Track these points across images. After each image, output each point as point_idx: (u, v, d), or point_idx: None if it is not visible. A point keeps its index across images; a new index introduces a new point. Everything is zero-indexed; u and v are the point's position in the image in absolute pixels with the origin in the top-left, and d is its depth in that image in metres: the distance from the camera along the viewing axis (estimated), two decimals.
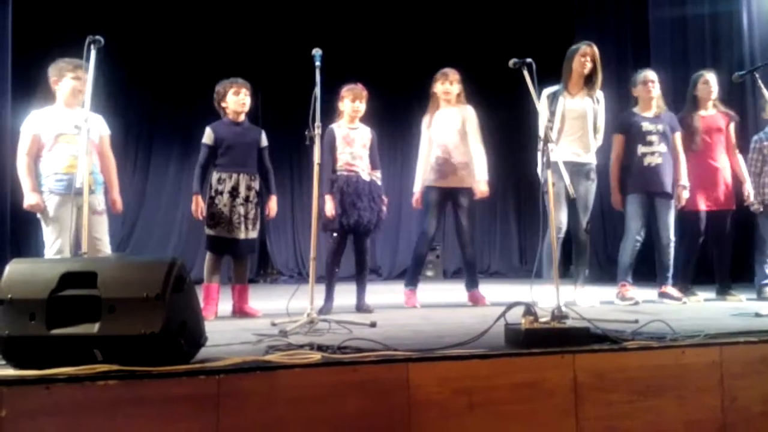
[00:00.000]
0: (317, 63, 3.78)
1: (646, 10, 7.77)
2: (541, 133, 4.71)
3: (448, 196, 5.06)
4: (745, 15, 6.87)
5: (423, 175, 5.12)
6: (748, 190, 5.17)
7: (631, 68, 5.40)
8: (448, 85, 5.07)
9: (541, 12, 9.25)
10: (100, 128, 4.24)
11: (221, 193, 4.30)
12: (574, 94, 4.86)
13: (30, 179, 3.92)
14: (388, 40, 9.60)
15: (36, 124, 3.97)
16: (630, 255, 4.99)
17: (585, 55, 4.83)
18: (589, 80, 4.89)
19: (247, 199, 4.35)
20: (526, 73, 3.67)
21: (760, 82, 4.48)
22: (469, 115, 5.11)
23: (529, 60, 3.70)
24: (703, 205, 5.11)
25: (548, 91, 4.84)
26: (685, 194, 5.04)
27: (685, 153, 5.13)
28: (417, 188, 5.14)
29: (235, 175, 4.34)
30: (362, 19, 9.43)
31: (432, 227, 5.04)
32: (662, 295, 4.97)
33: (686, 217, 5.20)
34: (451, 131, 5.05)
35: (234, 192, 4.32)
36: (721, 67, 6.40)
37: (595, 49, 4.87)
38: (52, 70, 4.06)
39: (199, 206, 4.28)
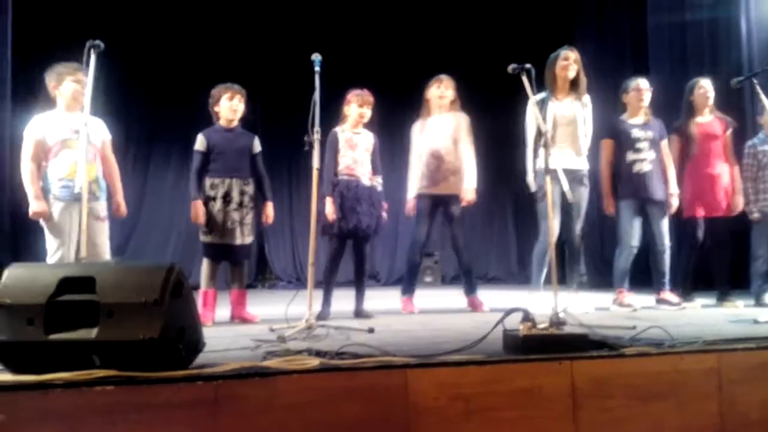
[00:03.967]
0: (317, 68, 3.78)
1: (645, 16, 7.79)
2: (530, 141, 4.76)
3: (439, 204, 5.05)
4: (743, 21, 6.88)
5: (415, 181, 5.10)
6: (737, 202, 5.15)
7: (630, 74, 5.40)
8: (443, 89, 5.07)
9: (541, 18, 9.25)
10: (101, 133, 4.22)
11: (214, 199, 4.30)
12: (561, 99, 4.83)
13: (34, 186, 3.85)
14: (387, 46, 9.60)
15: (39, 129, 3.93)
16: (625, 261, 5.01)
17: (567, 59, 4.80)
18: (573, 84, 4.86)
19: (241, 204, 4.34)
20: (525, 78, 3.68)
21: (758, 87, 4.48)
22: (462, 121, 5.12)
23: (528, 66, 3.72)
24: (701, 212, 5.11)
25: (536, 98, 4.79)
26: (675, 201, 5.07)
27: (682, 160, 5.16)
28: (411, 195, 5.13)
29: (227, 180, 4.34)
30: (361, 25, 9.44)
31: (423, 235, 5.04)
32: (660, 301, 4.97)
33: (684, 225, 5.21)
34: (445, 137, 5.05)
35: (227, 197, 4.31)
36: (719, 72, 6.40)
37: (577, 53, 4.85)
38: (51, 76, 4.03)
39: (199, 212, 4.27)
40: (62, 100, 4.02)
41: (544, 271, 4.75)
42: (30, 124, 3.96)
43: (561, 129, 4.77)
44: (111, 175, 4.25)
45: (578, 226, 4.84)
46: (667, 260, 5.02)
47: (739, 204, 5.15)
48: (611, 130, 5.16)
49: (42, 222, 3.90)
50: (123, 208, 4.24)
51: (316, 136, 3.70)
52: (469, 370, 2.28)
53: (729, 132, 5.25)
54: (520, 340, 2.50)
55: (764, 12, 6.65)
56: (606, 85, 6.55)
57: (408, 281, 5.11)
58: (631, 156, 5.03)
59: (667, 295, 4.97)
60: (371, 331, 3.46)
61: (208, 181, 4.35)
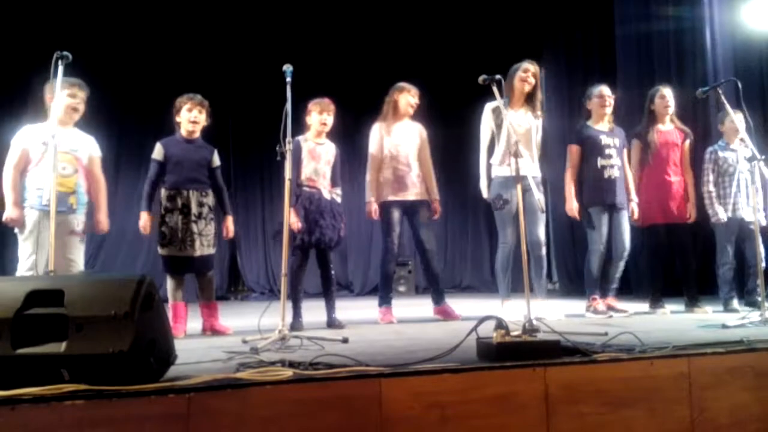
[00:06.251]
0: (288, 79, 3.78)
1: (612, 28, 7.92)
2: (483, 147, 4.81)
3: (407, 210, 5.05)
4: (708, 32, 7.02)
5: (379, 186, 5.04)
6: (691, 210, 5.24)
7: (598, 84, 5.46)
8: (415, 99, 5.11)
9: (510, 29, 9.35)
10: (90, 149, 4.28)
11: (172, 211, 4.25)
12: (516, 109, 4.92)
13: (14, 193, 3.92)
14: (358, 57, 9.63)
15: (27, 138, 3.98)
16: (597, 267, 5.03)
17: (526, 72, 4.88)
18: (530, 97, 4.95)
19: (200, 216, 4.29)
20: (495, 89, 3.73)
21: (723, 97, 4.57)
22: (424, 132, 5.19)
23: (498, 76, 3.77)
24: (659, 218, 5.18)
25: (491, 105, 4.87)
26: (635, 207, 5.13)
27: (640, 166, 5.24)
28: (373, 197, 4.99)
29: (185, 192, 4.29)
30: (331, 37, 9.44)
31: (397, 244, 5.03)
32: (607, 308, 4.99)
33: (645, 231, 5.30)
34: (412, 144, 5.09)
35: (185, 209, 4.26)
36: (685, 82, 6.54)
37: (537, 67, 4.94)
38: (49, 87, 3.98)
39: (146, 223, 4.25)
40: (54, 113, 3.98)
41: (509, 277, 4.81)
42: (19, 133, 4.02)
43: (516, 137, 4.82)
44: (96, 192, 4.29)
45: (542, 232, 4.87)
46: (621, 267, 5.08)
47: (693, 213, 5.24)
48: (578, 136, 5.20)
49: (17, 230, 3.94)
50: (103, 225, 4.30)
51: (289, 147, 3.69)
52: (443, 378, 2.28)
53: (687, 142, 5.33)
54: (493, 348, 2.51)
55: (727, 23, 6.79)
56: (575, 95, 6.64)
57: (384, 292, 5.08)
58: (601, 162, 5.07)
59: (613, 301, 5.02)
60: (345, 341, 3.45)
61: (165, 193, 4.31)
